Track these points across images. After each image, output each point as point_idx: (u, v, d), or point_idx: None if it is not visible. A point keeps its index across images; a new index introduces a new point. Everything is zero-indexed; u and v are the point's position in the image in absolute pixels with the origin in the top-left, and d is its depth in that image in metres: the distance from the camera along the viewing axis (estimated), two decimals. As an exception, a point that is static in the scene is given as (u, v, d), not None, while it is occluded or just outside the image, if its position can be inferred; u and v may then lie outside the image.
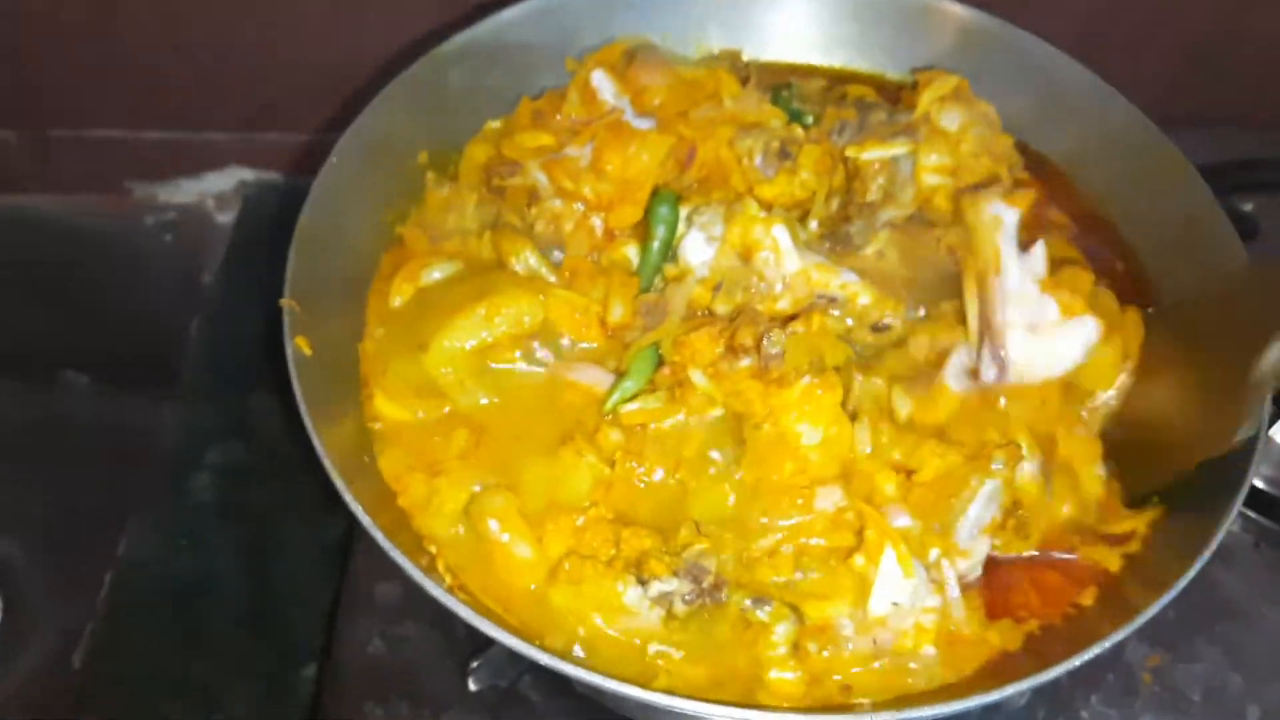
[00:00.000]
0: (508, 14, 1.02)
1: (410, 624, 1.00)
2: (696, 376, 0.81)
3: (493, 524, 0.77)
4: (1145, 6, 1.29)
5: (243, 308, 1.36)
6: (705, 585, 0.75)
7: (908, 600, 0.73)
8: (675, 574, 0.75)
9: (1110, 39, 1.18)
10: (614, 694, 0.68)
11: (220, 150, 1.48)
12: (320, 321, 0.84)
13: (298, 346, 0.80)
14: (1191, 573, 0.71)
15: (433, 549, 0.78)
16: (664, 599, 0.75)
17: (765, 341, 0.79)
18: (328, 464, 0.74)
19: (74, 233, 1.53)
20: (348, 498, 0.73)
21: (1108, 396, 0.83)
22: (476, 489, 0.79)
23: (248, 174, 1.51)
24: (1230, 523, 0.73)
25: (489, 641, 0.90)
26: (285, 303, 0.81)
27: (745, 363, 0.79)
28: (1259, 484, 1.06)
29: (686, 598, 0.75)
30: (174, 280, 1.54)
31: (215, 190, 1.53)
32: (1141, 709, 0.96)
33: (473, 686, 0.91)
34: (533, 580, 0.78)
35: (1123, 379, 0.84)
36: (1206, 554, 0.72)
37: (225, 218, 1.53)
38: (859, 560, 0.74)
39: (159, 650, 1.12)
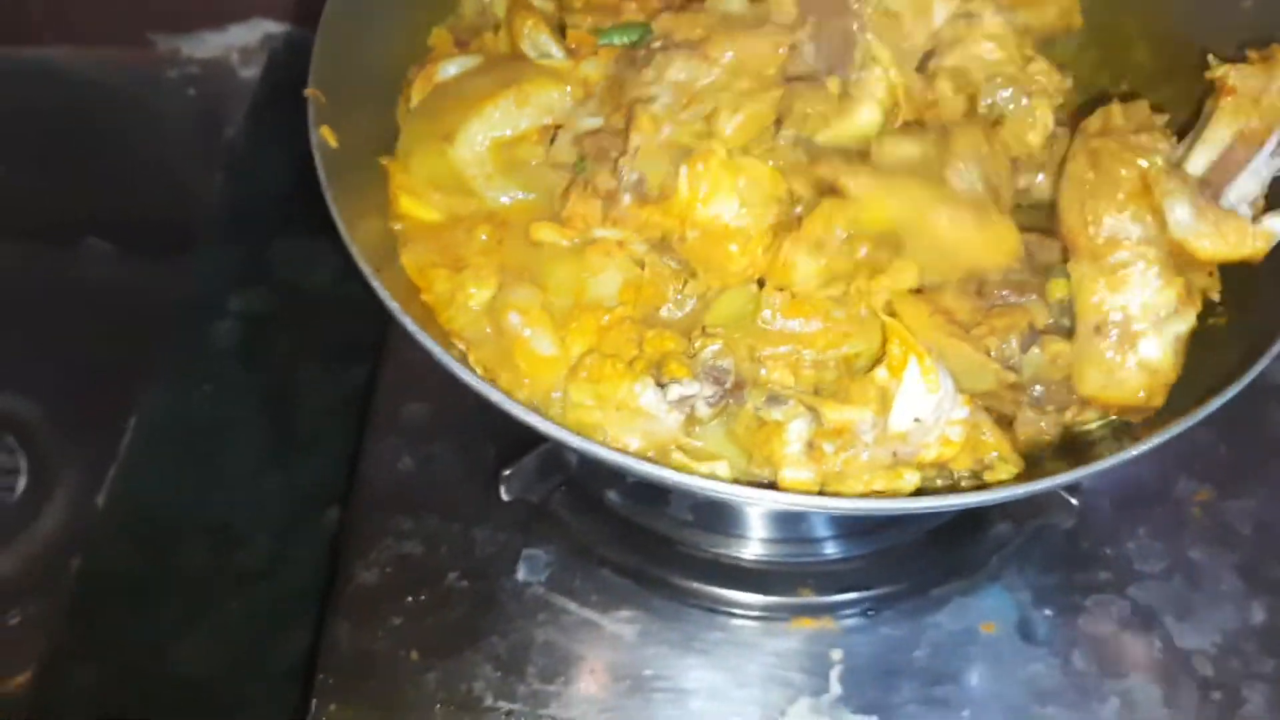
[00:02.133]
0: None
1: (439, 444, 0.98)
2: (600, 233, 0.77)
3: (514, 317, 0.74)
4: None
5: (266, 163, 1.33)
6: (727, 386, 0.72)
7: (930, 416, 0.69)
8: (696, 377, 0.72)
9: None
10: (656, 480, 0.65)
11: (245, 1, 1.44)
12: (346, 118, 0.80)
13: (322, 137, 0.77)
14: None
15: (461, 345, 0.75)
16: (685, 402, 0.72)
17: (622, 174, 0.75)
18: (354, 250, 0.70)
19: (93, 87, 1.49)
20: (375, 284, 0.70)
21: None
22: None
23: (273, 26, 1.46)
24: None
25: (520, 454, 0.89)
26: (310, 92, 0.78)
27: (628, 200, 0.75)
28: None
29: (710, 400, 0.72)
30: (196, 136, 1.50)
31: (240, 43, 1.48)
32: (1191, 541, 0.93)
33: (505, 496, 0.89)
34: (556, 380, 0.75)
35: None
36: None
37: (249, 72, 1.48)
38: (881, 374, 0.70)
39: (181, 492, 1.12)
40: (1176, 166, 0.71)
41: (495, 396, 0.67)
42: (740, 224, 0.75)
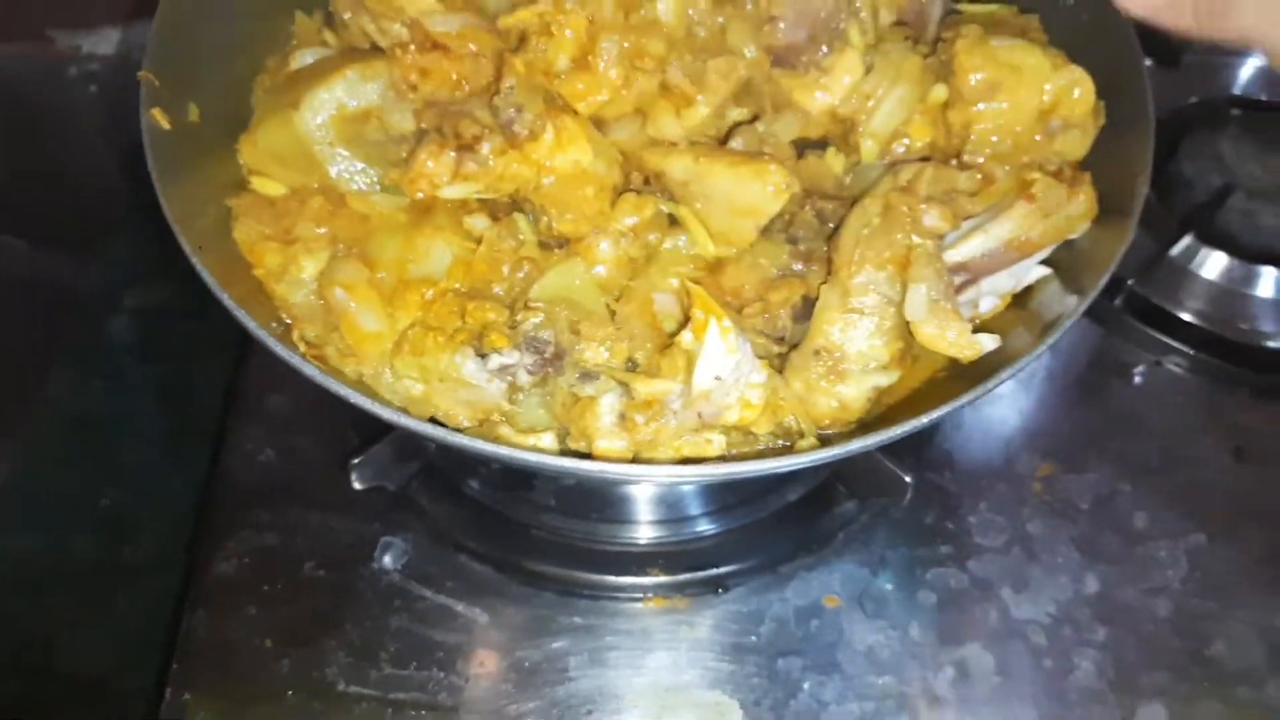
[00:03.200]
0: None
1: (301, 435, 0.99)
2: (447, 192, 0.79)
3: (339, 293, 0.75)
4: None
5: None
6: (547, 355, 0.74)
7: (730, 375, 0.72)
8: (516, 347, 0.74)
9: None
10: (477, 453, 0.67)
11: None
12: (193, 100, 0.82)
13: (153, 118, 0.78)
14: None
15: (287, 320, 0.77)
16: (506, 371, 0.74)
17: (499, 110, 0.77)
18: (175, 226, 0.72)
19: (-6, 84, 1.48)
20: (194, 260, 0.72)
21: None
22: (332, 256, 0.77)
23: (176, 23, 1.46)
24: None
25: (371, 440, 0.91)
26: (143, 75, 0.79)
27: (486, 148, 0.77)
28: (1185, 316, 1.05)
29: (529, 369, 0.74)
30: (99, 133, 1.50)
31: (142, 39, 1.47)
32: (1030, 515, 0.96)
33: (357, 485, 0.91)
34: (383, 356, 0.76)
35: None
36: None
37: (153, 68, 1.48)
38: (687, 337, 0.73)
39: (73, 485, 1.12)
40: (938, 256, 0.75)
41: (308, 370, 0.70)
42: (596, 170, 0.77)
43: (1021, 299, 0.81)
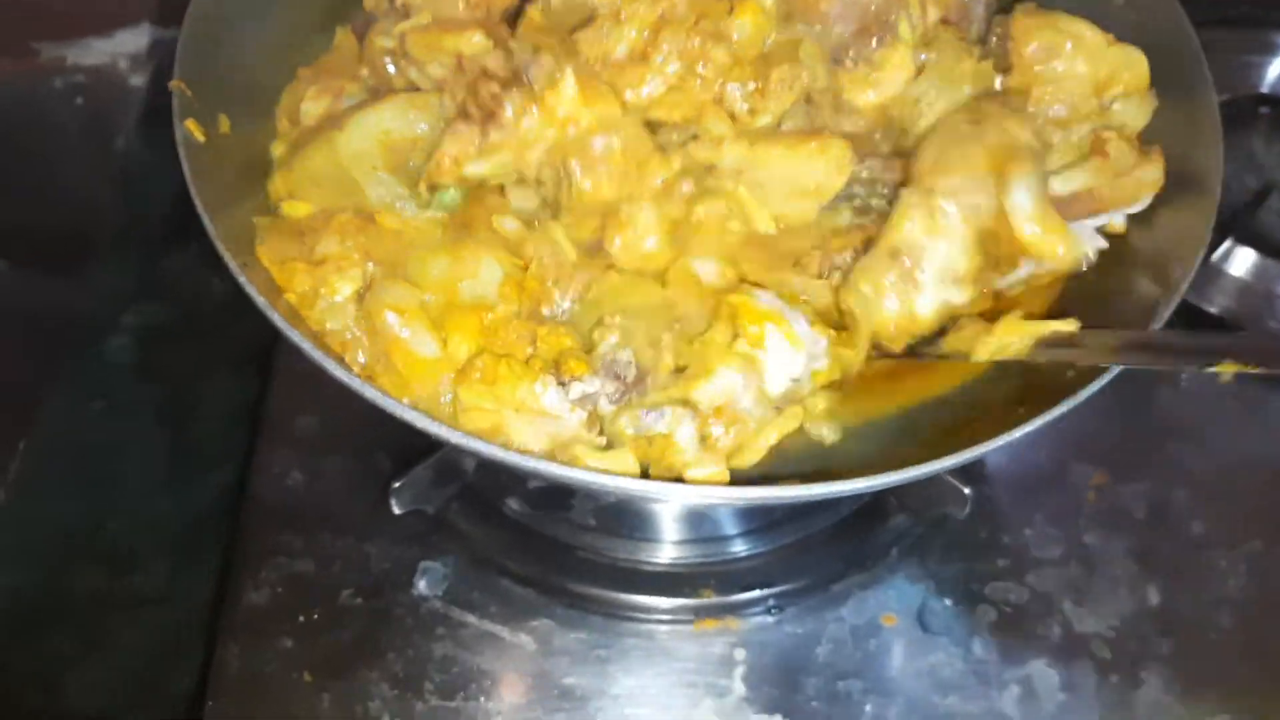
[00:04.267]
0: None
1: (331, 457, 0.95)
2: (472, 169, 0.76)
3: (390, 317, 0.71)
4: None
5: (158, 171, 1.29)
6: (629, 380, 0.71)
7: (803, 369, 0.70)
8: (596, 373, 0.71)
9: None
10: (567, 481, 0.64)
11: (132, 5, 1.39)
12: (218, 113, 0.78)
13: (188, 130, 0.74)
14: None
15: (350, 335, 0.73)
16: (587, 400, 0.71)
17: (517, 59, 0.75)
18: (216, 239, 0.68)
19: (-25, 98, 1.43)
20: (243, 281, 0.68)
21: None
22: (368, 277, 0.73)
23: (162, 32, 1.42)
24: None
25: (413, 464, 0.87)
26: (175, 85, 0.75)
27: (509, 110, 0.74)
28: (1213, 310, 1.03)
29: (612, 397, 0.71)
30: (86, 146, 1.45)
31: (128, 50, 1.43)
32: (1086, 526, 0.94)
33: (396, 510, 0.87)
34: (439, 383, 0.72)
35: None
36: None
37: (139, 79, 1.44)
38: (742, 346, 0.71)
39: (74, 515, 1.07)
40: (1042, 155, 0.72)
41: (369, 393, 0.65)
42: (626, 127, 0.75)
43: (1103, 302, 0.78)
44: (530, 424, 0.71)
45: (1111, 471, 0.97)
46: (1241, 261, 1.05)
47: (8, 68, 1.43)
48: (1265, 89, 1.21)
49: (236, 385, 1.14)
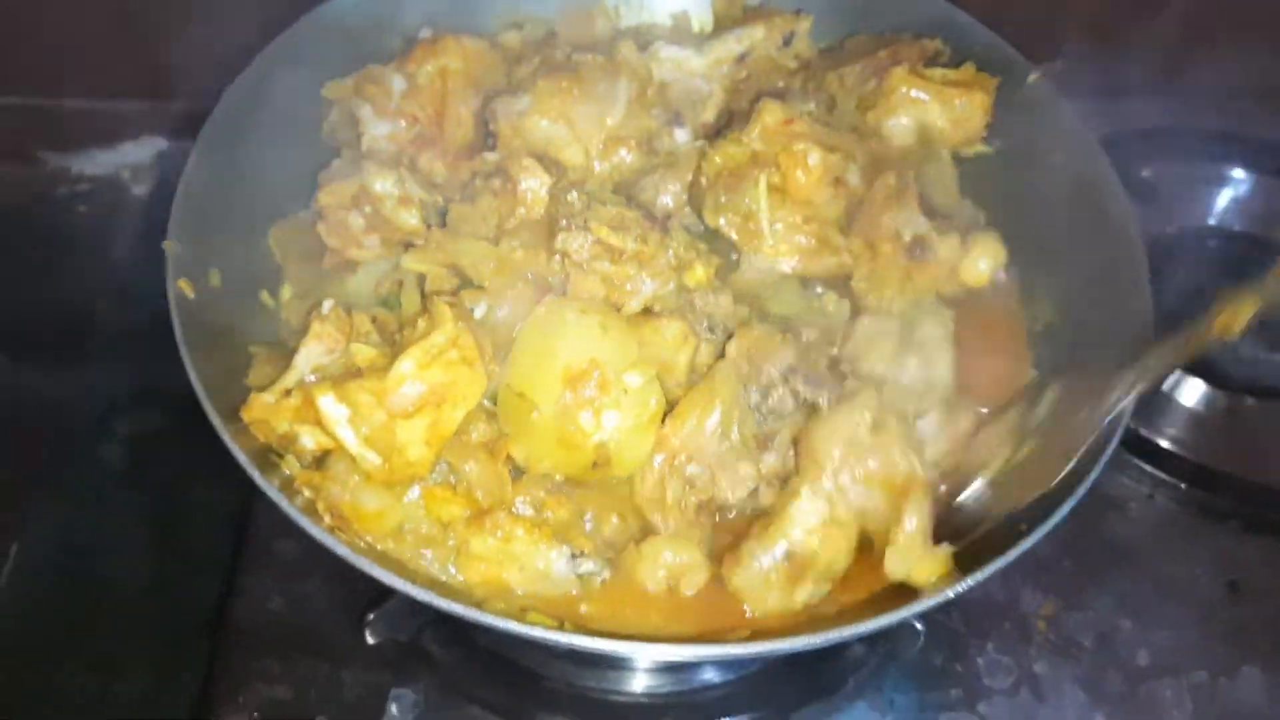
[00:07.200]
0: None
1: (311, 581, 0.98)
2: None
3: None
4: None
5: (158, 281, 1.34)
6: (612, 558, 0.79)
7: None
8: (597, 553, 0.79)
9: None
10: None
11: (135, 119, 1.45)
12: (207, 269, 0.84)
13: (180, 290, 0.79)
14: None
15: (308, 493, 0.77)
16: (588, 575, 0.79)
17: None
18: (202, 396, 0.73)
19: (-18, 203, 1.49)
20: (226, 438, 0.73)
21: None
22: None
23: (165, 144, 1.48)
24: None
25: (386, 594, 0.91)
26: (167, 245, 0.80)
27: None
28: (1163, 443, 1.08)
29: (603, 578, 0.79)
30: (88, 252, 1.50)
31: (131, 161, 1.49)
32: (1036, 655, 0.97)
33: (370, 639, 0.90)
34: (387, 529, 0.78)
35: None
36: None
37: (141, 189, 1.49)
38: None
39: (61, 621, 1.10)
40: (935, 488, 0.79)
41: (340, 550, 0.72)
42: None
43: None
44: (530, 582, 0.77)
45: (1061, 599, 1.01)
46: (1191, 392, 1.10)
47: (14, 175, 1.49)
48: (1213, 221, 1.27)
49: (223, 495, 1.17)
